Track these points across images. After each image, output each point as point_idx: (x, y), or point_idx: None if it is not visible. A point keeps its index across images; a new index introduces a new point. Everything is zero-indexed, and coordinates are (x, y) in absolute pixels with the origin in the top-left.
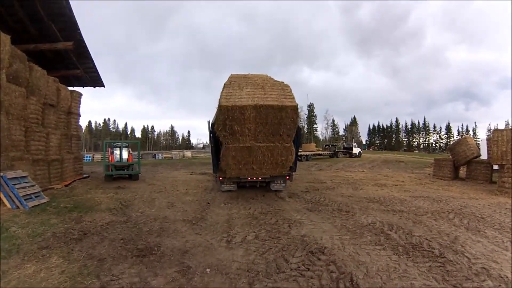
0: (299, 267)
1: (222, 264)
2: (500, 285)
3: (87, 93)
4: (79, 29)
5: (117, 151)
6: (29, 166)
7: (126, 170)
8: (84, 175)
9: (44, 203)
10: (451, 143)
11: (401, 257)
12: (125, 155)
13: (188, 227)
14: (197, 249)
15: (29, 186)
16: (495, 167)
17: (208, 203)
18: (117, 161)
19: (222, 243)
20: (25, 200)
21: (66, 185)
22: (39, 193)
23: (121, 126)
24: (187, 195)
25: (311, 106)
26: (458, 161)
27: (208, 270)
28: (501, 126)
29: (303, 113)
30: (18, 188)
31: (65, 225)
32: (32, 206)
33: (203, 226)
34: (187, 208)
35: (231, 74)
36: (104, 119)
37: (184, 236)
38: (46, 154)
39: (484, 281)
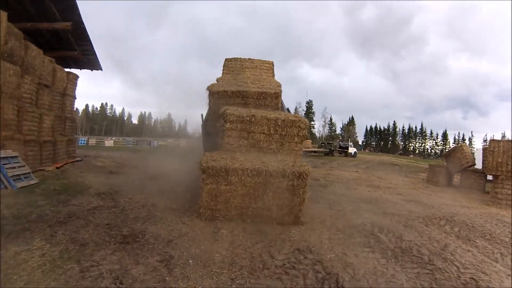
0: (285, 264)
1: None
2: None
3: (85, 76)
4: (78, 10)
5: None
6: (20, 146)
7: None
8: (77, 159)
9: (33, 184)
10: (447, 150)
11: (390, 261)
12: None
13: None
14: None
15: (18, 167)
16: (489, 177)
17: None
18: None
19: None
20: (14, 180)
21: (57, 168)
22: (29, 174)
23: (118, 112)
24: None
25: (310, 103)
26: (452, 168)
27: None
28: (498, 137)
29: (301, 109)
30: (7, 168)
31: (51, 208)
32: (21, 187)
33: None
34: None
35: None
36: (102, 104)
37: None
38: (39, 135)
39: None
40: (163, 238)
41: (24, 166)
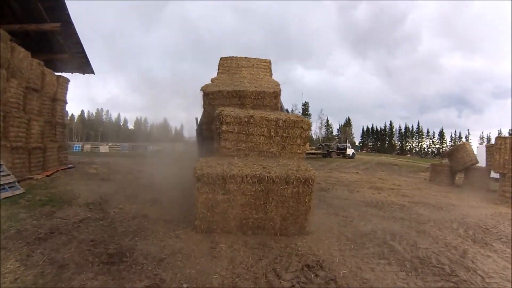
0: (294, 285)
1: None
2: None
3: (80, 80)
4: (67, 10)
5: None
6: (6, 154)
7: None
8: (69, 166)
9: (18, 194)
10: (448, 148)
11: (409, 274)
12: None
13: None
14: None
15: (3, 176)
16: (493, 175)
17: None
18: None
19: None
20: None
21: (47, 176)
22: (14, 184)
23: (114, 117)
24: None
25: (306, 105)
26: (455, 167)
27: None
28: (494, 135)
29: (298, 111)
30: None
31: (33, 221)
32: (4, 198)
33: None
34: None
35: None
36: (97, 109)
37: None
38: (27, 141)
39: None
40: (153, 256)
41: (9, 175)
